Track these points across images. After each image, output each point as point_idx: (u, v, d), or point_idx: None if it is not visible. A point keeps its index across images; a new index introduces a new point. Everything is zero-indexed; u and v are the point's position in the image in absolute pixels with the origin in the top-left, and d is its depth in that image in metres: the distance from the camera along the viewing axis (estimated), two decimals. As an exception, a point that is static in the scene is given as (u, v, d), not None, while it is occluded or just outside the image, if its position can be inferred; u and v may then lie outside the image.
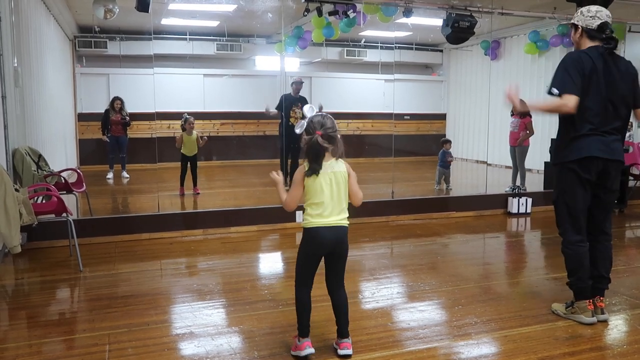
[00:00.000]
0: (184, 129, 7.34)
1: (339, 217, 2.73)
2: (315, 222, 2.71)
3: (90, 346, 2.94)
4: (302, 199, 2.79)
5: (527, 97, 8.51)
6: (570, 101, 3.09)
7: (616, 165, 3.24)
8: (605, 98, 3.16)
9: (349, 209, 2.81)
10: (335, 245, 2.74)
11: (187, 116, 7.40)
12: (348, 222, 2.78)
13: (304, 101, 7.96)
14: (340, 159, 2.77)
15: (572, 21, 3.31)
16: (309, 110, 2.78)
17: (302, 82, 8.09)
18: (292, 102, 7.80)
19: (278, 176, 2.83)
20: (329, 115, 2.77)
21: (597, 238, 3.36)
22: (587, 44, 3.24)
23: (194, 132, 7.37)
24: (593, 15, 3.21)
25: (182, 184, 7.38)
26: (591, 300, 3.30)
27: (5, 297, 3.89)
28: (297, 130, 2.74)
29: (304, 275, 2.79)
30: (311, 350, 2.74)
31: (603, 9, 3.25)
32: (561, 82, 3.15)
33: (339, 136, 2.74)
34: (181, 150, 7.34)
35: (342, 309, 2.82)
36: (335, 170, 2.72)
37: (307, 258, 2.79)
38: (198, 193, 7.49)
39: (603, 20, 3.20)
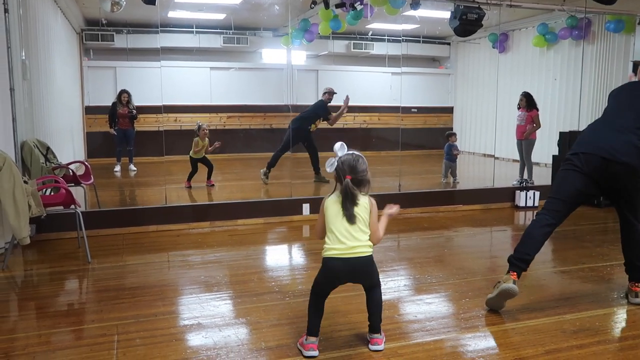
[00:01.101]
0: (197, 135, 7.37)
1: (355, 248, 2.66)
2: (329, 252, 2.67)
3: (99, 336, 2.97)
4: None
5: (534, 90, 8.42)
6: None
7: (619, 167, 3.23)
8: (627, 106, 3.36)
9: None
10: (353, 277, 2.72)
11: (201, 123, 7.44)
12: (370, 251, 2.70)
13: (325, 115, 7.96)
14: (365, 195, 2.73)
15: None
16: (340, 149, 2.72)
17: (334, 93, 8.05)
18: (319, 114, 7.86)
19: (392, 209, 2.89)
20: (360, 155, 2.72)
21: (625, 229, 3.47)
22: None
23: (207, 139, 7.41)
24: None
25: (189, 180, 7.41)
26: (515, 272, 3.27)
27: (14, 288, 3.92)
28: (328, 169, 2.71)
29: (320, 293, 2.76)
30: (314, 353, 2.70)
31: None
32: None
33: (369, 176, 2.71)
34: (190, 153, 7.37)
35: (373, 307, 2.80)
36: (358, 202, 2.68)
37: (322, 285, 2.75)
38: (212, 185, 7.52)
39: None
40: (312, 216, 5.86)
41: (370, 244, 2.72)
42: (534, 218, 3.45)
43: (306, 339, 2.75)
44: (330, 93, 7.97)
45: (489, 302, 3.33)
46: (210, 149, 7.44)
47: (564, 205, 3.38)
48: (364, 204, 2.71)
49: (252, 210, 5.84)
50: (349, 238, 2.66)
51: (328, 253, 2.68)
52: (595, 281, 3.95)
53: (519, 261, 3.30)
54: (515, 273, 3.27)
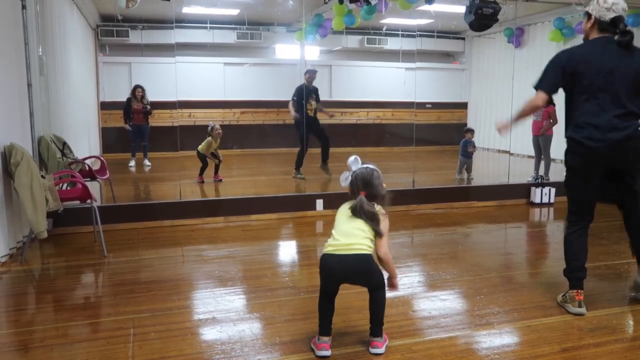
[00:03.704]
0: (210, 136, 7.42)
1: (351, 245, 2.60)
2: (326, 248, 2.66)
3: (115, 330, 3.00)
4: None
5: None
6: (538, 97, 3.26)
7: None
8: (602, 89, 3.11)
9: None
10: (347, 275, 2.64)
11: (213, 124, 7.50)
12: (367, 250, 2.62)
13: (317, 92, 7.92)
14: (378, 205, 2.67)
15: (586, 9, 3.25)
16: (354, 162, 2.69)
17: (315, 71, 8.06)
18: (307, 93, 7.81)
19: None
20: (375, 169, 2.68)
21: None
22: (596, 35, 3.21)
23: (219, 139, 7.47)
24: (608, 7, 3.13)
25: (201, 174, 7.46)
26: (579, 291, 3.24)
27: (32, 281, 3.98)
28: (342, 184, 2.70)
29: (326, 292, 2.72)
30: (327, 353, 2.66)
31: (620, 1, 3.16)
32: (539, 78, 3.29)
33: (384, 190, 2.68)
34: (198, 148, 7.44)
35: (374, 308, 2.72)
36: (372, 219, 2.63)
37: (322, 283, 2.72)
38: (220, 180, 7.56)
39: (618, 14, 3.12)
40: (326, 212, 5.86)
41: (369, 244, 2.63)
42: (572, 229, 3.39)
43: (318, 339, 2.72)
44: (310, 72, 7.95)
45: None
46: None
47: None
48: (378, 217, 2.65)
49: (265, 205, 5.86)
50: (345, 235, 2.62)
51: (324, 251, 2.68)
52: (612, 279, 3.91)
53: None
54: (580, 291, 3.26)
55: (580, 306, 3.21)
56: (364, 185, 2.64)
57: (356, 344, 2.80)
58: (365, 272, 2.64)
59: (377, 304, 2.73)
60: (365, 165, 2.69)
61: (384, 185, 2.70)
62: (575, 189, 3.32)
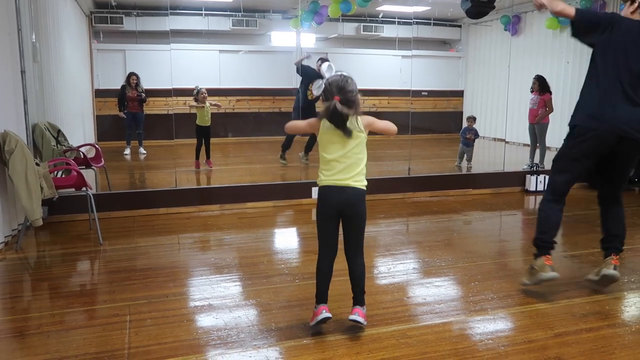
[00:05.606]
0: (196, 100, 7.44)
1: (348, 178, 2.65)
2: (325, 180, 2.68)
3: (111, 316, 3.01)
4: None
5: (547, 74, 8.26)
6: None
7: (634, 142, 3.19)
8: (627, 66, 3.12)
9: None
10: (344, 207, 2.68)
11: (199, 87, 7.49)
12: (364, 185, 2.70)
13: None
14: (358, 117, 2.67)
15: None
16: (327, 70, 2.63)
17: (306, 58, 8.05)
18: (313, 77, 7.76)
19: None
20: (348, 75, 2.63)
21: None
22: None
23: (207, 102, 7.45)
24: None
25: (197, 157, 7.46)
26: (548, 256, 3.29)
27: (28, 268, 3.98)
28: (315, 92, 2.62)
29: (322, 239, 2.75)
30: (328, 314, 2.71)
31: None
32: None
33: (359, 97, 2.63)
34: (196, 122, 7.41)
35: (355, 279, 2.79)
36: (354, 130, 2.63)
37: (319, 217, 2.75)
38: (211, 167, 7.54)
39: None
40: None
41: (363, 178, 2.70)
42: (551, 205, 3.44)
43: (315, 307, 2.76)
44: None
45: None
46: (213, 108, 7.51)
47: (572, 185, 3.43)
48: (360, 133, 2.67)
49: (261, 193, 5.86)
50: (345, 168, 2.65)
51: (323, 182, 2.69)
52: (606, 265, 3.93)
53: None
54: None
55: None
56: (338, 90, 2.57)
57: (351, 330, 2.82)
58: (358, 206, 2.70)
59: (360, 272, 2.78)
60: (339, 73, 2.64)
61: (359, 95, 2.64)
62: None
